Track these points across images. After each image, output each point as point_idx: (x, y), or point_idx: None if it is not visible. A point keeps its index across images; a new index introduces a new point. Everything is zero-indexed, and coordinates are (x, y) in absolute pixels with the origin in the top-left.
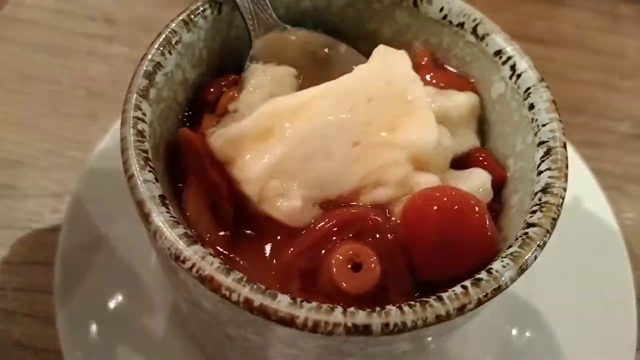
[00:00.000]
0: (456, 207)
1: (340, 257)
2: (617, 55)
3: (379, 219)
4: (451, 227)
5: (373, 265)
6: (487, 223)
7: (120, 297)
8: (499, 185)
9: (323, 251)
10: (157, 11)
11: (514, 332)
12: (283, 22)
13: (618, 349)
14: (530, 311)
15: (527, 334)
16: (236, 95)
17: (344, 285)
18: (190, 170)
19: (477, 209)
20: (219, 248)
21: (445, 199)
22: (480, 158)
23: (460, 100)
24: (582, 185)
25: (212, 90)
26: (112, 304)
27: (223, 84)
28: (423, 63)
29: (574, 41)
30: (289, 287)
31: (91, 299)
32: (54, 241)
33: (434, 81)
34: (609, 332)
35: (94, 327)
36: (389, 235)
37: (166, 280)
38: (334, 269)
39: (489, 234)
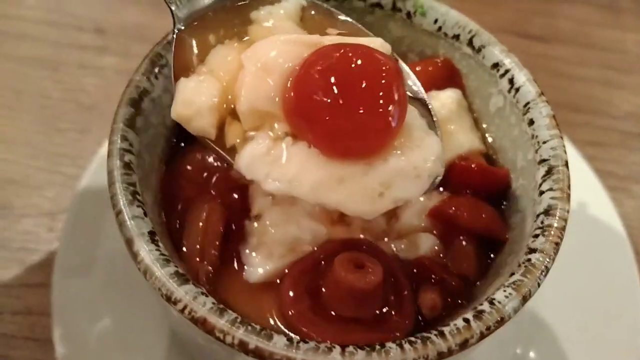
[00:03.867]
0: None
1: (343, 258)
2: (617, 50)
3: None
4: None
5: (374, 265)
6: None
7: (119, 318)
8: (502, 187)
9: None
10: (147, 19)
11: (519, 350)
12: None
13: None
14: (535, 322)
15: (533, 348)
16: None
17: (350, 278)
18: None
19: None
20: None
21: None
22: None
23: (445, 98)
24: (585, 187)
25: None
26: (111, 325)
27: None
28: None
29: (573, 37)
30: (299, 306)
31: (89, 320)
32: (51, 261)
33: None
34: (615, 343)
35: (92, 350)
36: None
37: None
38: (338, 267)
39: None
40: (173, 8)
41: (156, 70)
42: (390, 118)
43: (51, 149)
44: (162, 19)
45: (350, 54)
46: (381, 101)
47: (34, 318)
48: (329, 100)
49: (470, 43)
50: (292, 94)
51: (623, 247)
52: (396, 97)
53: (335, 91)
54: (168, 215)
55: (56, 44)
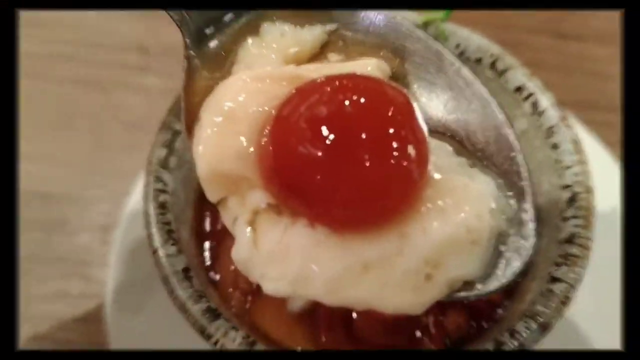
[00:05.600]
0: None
1: None
2: None
3: None
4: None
5: None
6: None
7: (173, 335)
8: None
9: None
10: None
11: None
12: None
13: None
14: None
15: None
16: None
17: None
18: None
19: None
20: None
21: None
22: None
23: None
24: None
25: None
26: (165, 343)
27: None
28: None
29: (613, 34)
30: (332, 334)
31: (144, 334)
32: (106, 274)
33: None
34: None
35: None
36: None
37: None
38: None
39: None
40: (183, 29)
41: None
42: (409, 161)
43: (103, 167)
44: None
45: (342, 88)
46: (394, 143)
47: (92, 326)
48: (321, 153)
49: (492, 67)
50: (269, 149)
51: None
52: (412, 133)
53: (329, 138)
54: (203, 246)
55: (102, 65)
